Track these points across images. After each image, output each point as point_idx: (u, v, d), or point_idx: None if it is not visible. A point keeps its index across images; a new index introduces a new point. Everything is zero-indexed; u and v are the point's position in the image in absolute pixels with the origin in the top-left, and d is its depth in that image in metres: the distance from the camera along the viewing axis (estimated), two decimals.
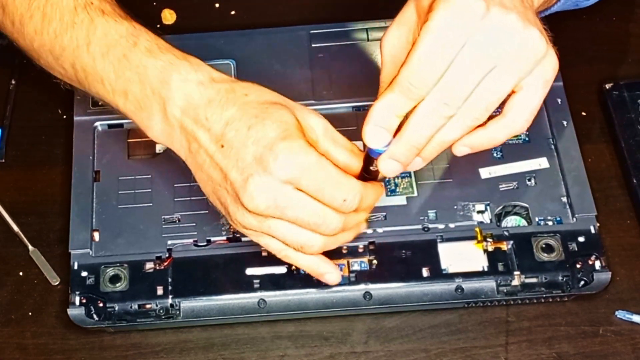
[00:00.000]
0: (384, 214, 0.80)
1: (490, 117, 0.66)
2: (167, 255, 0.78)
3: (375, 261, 0.78)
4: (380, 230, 0.79)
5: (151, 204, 0.80)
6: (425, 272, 0.77)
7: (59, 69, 0.76)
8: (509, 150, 0.82)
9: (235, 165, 0.66)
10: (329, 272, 0.73)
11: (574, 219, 0.79)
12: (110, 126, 0.84)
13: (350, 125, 0.84)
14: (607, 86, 0.87)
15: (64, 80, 0.77)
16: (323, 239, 0.69)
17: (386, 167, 0.67)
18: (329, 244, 0.70)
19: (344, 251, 0.78)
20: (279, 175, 0.65)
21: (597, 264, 0.77)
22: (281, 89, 0.84)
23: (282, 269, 0.77)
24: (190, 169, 0.71)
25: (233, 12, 0.95)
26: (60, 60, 0.74)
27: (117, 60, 0.70)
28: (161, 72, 0.69)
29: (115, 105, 0.72)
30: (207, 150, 0.68)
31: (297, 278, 0.77)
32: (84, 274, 0.77)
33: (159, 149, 0.83)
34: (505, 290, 0.77)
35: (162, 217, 0.80)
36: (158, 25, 0.93)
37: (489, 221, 0.80)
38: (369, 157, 0.68)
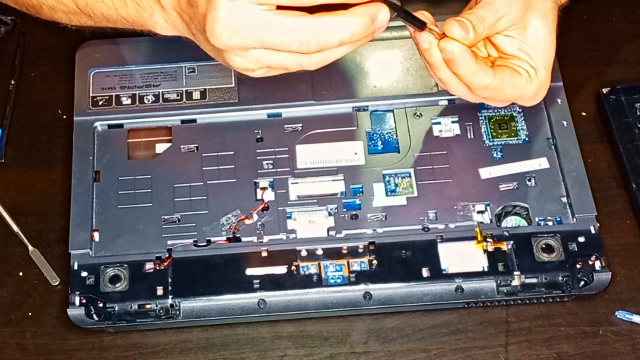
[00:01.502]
0: (384, 214, 0.80)
1: None
2: (167, 255, 0.78)
3: (375, 261, 0.78)
4: (380, 230, 0.79)
5: (151, 204, 0.80)
6: (425, 272, 0.77)
7: (62, 7, 0.77)
8: (509, 151, 0.83)
9: (199, 13, 0.67)
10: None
11: (574, 219, 0.79)
12: (110, 126, 0.84)
13: (350, 125, 0.84)
14: (604, 91, 0.87)
15: (70, 21, 0.79)
16: (317, 55, 0.66)
17: None
18: (329, 51, 0.66)
19: (344, 251, 0.78)
20: None
21: (597, 264, 0.77)
22: (281, 89, 0.84)
23: (282, 269, 0.77)
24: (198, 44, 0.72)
25: None
26: None
27: None
28: None
29: (119, 18, 0.75)
30: (189, 14, 0.69)
31: (297, 278, 0.77)
32: (84, 274, 0.77)
33: (159, 149, 0.83)
34: (505, 291, 0.77)
35: (162, 217, 0.80)
36: None
37: (489, 221, 0.80)
38: None
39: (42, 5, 0.78)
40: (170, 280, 0.77)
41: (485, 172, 0.82)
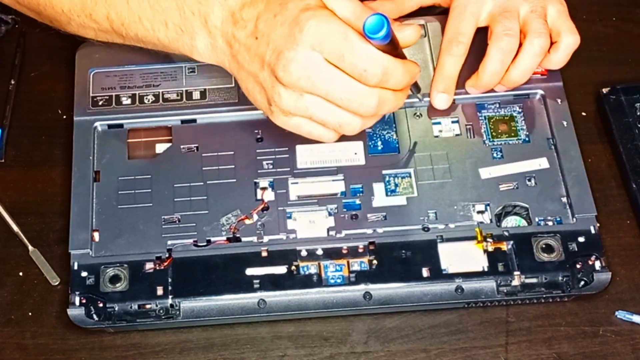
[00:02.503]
0: (384, 214, 0.80)
1: None
2: (167, 255, 0.78)
3: (375, 261, 0.78)
4: (380, 230, 0.79)
5: (151, 204, 0.80)
6: (425, 272, 0.77)
7: (93, 25, 0.80)
8: (509, 151, 0.83)
9: (267, 48, 0.72)
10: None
11: (574, 219, 0.79)
12: (110, 126, 0.84)
13: None
14: (604, 91, 0.87)
15: (97, 38, 0.81)
16: (360, 121, 0.73)
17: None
18: (367, 120, 0.74)
19: (344, 251, 0.78)
20: (304, 42, 0.70)
21: (597, 264, 0.77)
22: None
23: (282, 269, 0.77)
24: (234, 75, 0.76)
25: None
26: (94, 16, 0.78)
27: None
28: None
29: (154, 40, 0.78)
30: (245, 45, 0.73)
31: (297, 278, 0.77)
32: (84, 274, 0.77)
33: (159, 149, 0.83)
34: (505, 291, 0.77)
35: (162, 217, 0.80)
36: None
37: (489, 221, 0.80)
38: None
39: (71, 21, 0.80)
40: (170, 280, 0.77)
41: (485, 172, 0.82)
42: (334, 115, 0.73)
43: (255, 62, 0.73)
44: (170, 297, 0.76)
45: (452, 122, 0.84)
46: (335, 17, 0.70)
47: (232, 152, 0.83)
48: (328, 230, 0.79)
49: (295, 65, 0.70)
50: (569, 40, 0.82)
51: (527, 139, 0.83)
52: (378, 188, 0.81)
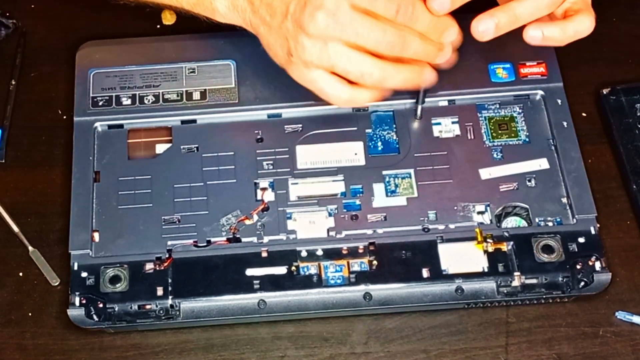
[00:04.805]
0: (384, 214, 0.80)
1: None
2: (167, 255, 0.78)
3: (375, 262, 0.78)
4: (380, 231, 0.79)
5: (151, 205, 0.80)
6: (425, 273, 0.77)
7: None
8: (509, 151, 0.83)
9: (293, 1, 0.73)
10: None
11: (574, 220, 0.79)
12: (110, 127, 0.84)
13: (350, 126, 0.84)
14: (605, 91, 0.87)
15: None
16: (382, 66, 0.73)
17: None
18: (389, 73, 0.73)
19: (344, 252, 0.78)
20: None
21: (597, 265, 0.77)
22: (281, 89, 0.84)
23: (282, 270, 0.77)
24: (256, 33, 0.78)
25: None
26: None
27: None
28: None
29: (179, 6, 0.82)
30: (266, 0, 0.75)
31: (297, 279, 0.77)
32: (84, 274, 0.77)
33: (159, 149, 0.83)
34: (505, 291, 0.77)
35: (162, 217, 0.80)
36: (158, 26, 0.93)
37: (489, 222, 0.80)
38: None
39: None
40: (170, 280, 0.77)
41: (486, 173, 0.82)
42: (357, 63, 0.72)
43: (278, 15, 0.74)
44: (170, 297, 0.76)
45: (452, 122, 0.84)
46: None
47: (232, 153, 0.83)
48: (328, 230, 0.79)
49: (324, 12, 0.71)
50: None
51: (527, 139, 0.83)
52: (378, 188, 0.81)
